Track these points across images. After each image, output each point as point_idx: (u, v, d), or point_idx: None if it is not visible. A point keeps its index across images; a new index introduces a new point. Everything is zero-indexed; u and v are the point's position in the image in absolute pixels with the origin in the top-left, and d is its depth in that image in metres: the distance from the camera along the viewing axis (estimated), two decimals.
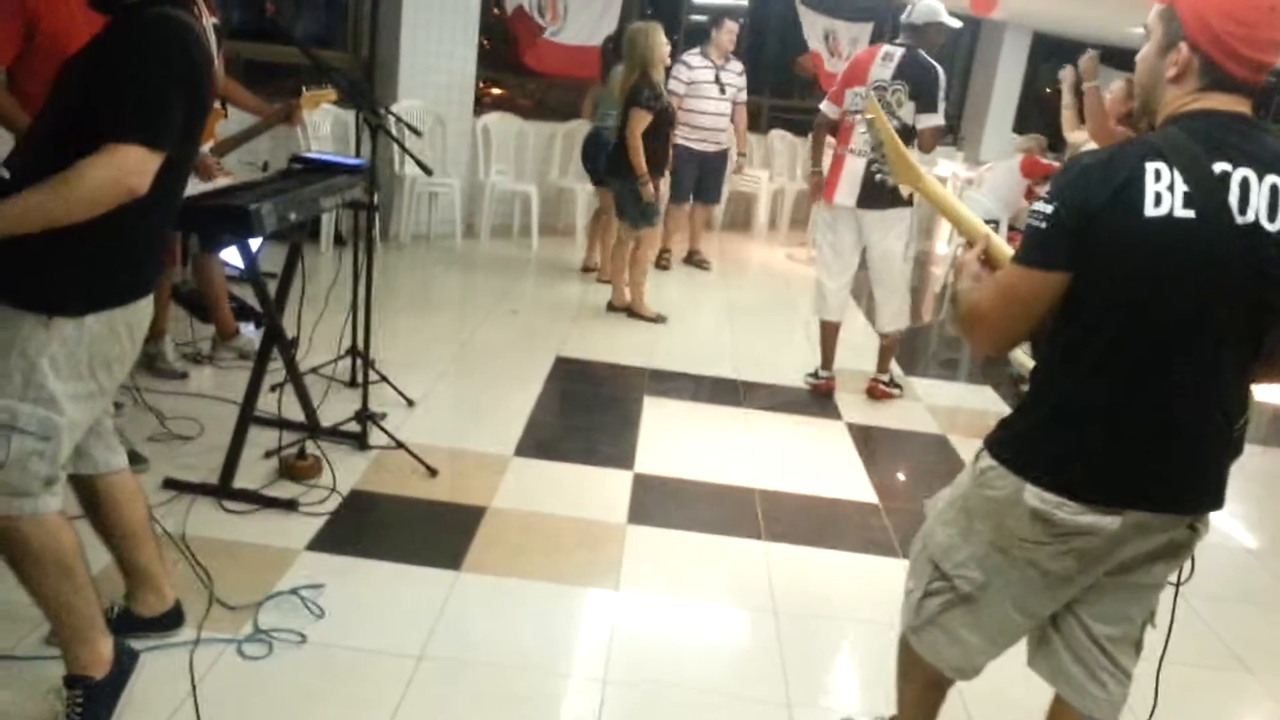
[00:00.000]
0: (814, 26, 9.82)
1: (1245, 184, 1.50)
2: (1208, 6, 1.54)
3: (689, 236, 7.54)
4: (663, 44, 5.47)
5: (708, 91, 6.81)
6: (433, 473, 3.43)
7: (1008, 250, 1.80)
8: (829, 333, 4.91)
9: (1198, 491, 1.66)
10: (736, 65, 6.97)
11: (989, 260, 1.83)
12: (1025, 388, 1.78)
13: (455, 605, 2.71)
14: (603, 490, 3.54)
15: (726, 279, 7.44)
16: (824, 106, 4.81)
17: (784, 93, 10.79)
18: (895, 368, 5.04)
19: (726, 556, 3.20)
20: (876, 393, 4.92)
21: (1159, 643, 1.85)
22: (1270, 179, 1.50)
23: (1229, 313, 1.54)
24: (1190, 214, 1.48)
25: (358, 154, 3.81)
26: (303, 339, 3.45)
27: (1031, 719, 2.02)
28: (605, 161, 5.86)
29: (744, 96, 7.10)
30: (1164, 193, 1.49)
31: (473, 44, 7.07)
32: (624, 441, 3.99)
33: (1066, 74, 5.34)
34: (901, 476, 4.23)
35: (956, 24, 4.62)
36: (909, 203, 4.49)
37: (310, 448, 3.35)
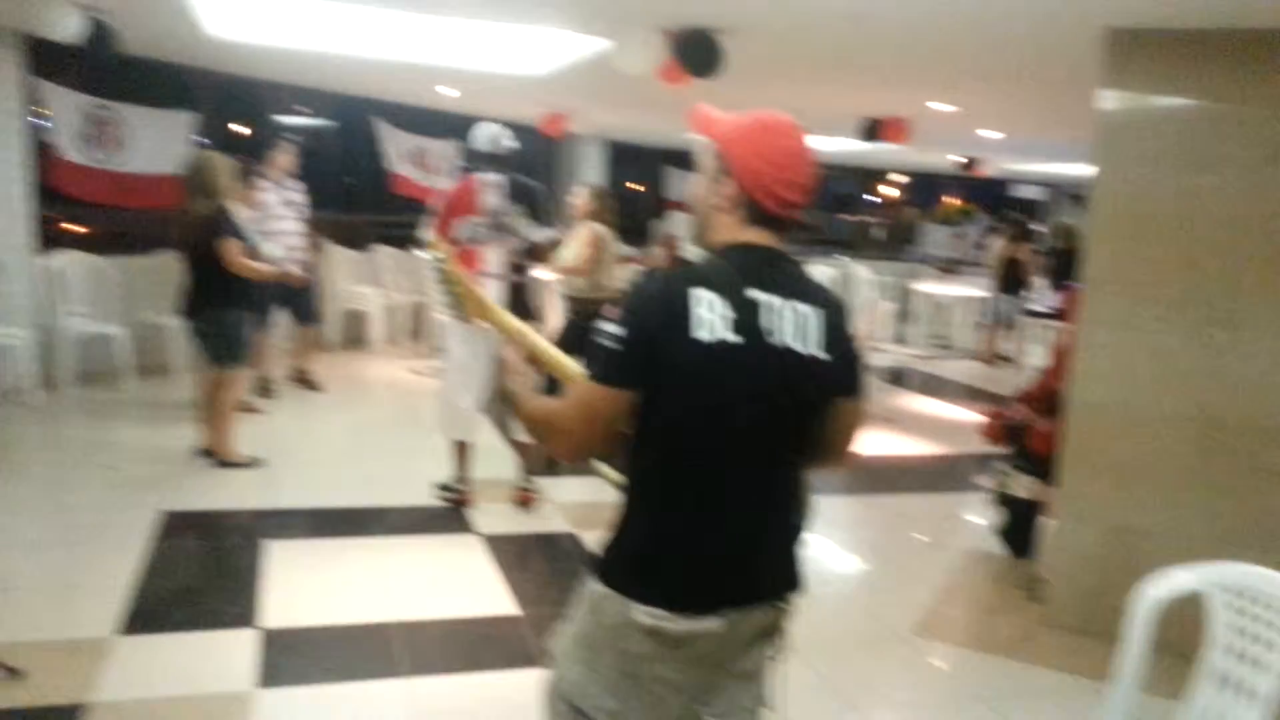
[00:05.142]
0: (401, 146, 10.01)
1: (774, 310, 1.72)
2: (749, 150, 1.74)
3: (296, 358, 7.25)
4: (227, 173, 5.24)
5: (279, 212, 6.70)
6: (13, 673, 2.98)
7: (553, 350, 1.96)
8: (463, 450, 4.92)
9: (776, 581, 1.86)
10: (297, 184, 6.94)
11: (535, 359, 1.96)
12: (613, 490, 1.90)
13: None
14: (226, 657, 3.27)
15: (348, 401, 7.24)
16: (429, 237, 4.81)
17: (384, 209, 10.85)
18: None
19: (367, 704, 3.08)
20: (526, 500, 4.95)
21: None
22: (793, 305, 1.74)
23: (773, 427, 1.75)
24: (736, 339, 1.67)
25: None
26: None
27: None
28: (182, 301, 5.38)
29: (308, 213, 7.09)
30: (713, 319, 1.66)
31: (19, 180, 6.43)
32: (245, 597, 3.72)
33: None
34: (540, 582, 4.32)
35: (516, 144, 4.83)
36: None
37: None
